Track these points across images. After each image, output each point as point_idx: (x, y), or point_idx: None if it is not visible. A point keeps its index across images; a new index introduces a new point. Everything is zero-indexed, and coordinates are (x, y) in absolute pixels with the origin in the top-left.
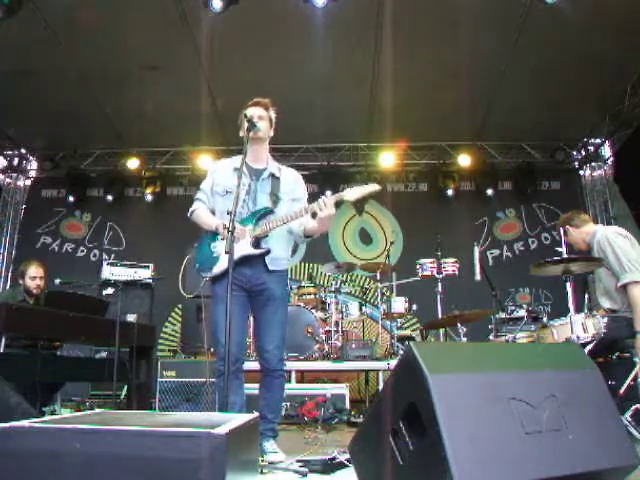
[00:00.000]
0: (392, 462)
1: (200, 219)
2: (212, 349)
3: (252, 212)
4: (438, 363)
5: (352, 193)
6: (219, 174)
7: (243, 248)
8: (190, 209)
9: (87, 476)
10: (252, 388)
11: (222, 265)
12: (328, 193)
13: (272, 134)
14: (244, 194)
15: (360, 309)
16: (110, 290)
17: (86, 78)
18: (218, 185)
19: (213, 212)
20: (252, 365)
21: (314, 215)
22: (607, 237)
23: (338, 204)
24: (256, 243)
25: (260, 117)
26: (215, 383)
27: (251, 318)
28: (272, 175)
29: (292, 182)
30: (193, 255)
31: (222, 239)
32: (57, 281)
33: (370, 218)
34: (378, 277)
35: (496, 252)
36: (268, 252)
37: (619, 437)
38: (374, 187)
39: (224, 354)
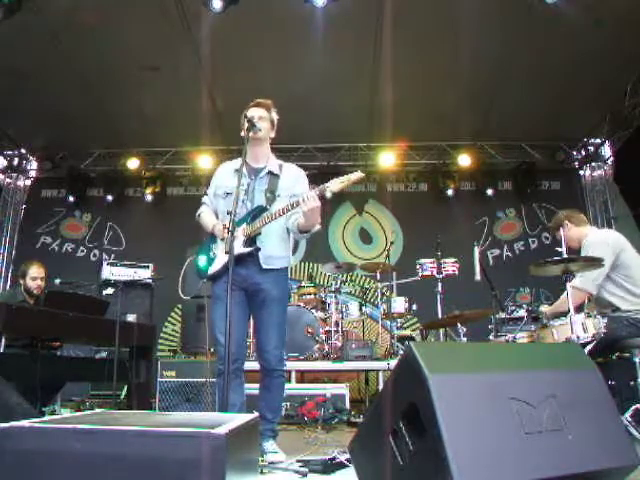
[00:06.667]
0: (392, 462)
1: (202, 221)
2: (212, 349)
3: (248, 212)
4: (438, 363)
5: (336, 183)
6: (220, 177)
7: (236, 247)
8: (197, 212)
9: (87, 476)
10: (252, 388)
11: (218, 265)
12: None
13: (273, 135)
14: (243, 194)
15: (360, 309)
16: (110, 290)
17: (86, 78)
18: (219, 188)
19: (216, 214)
20: (252, 365)
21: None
22: (586, 244)
23: (324, 196)
24: (249, 242)
25: (260, 118)
26: (216, 383)
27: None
28: (270, 173)
29: (292, 179)
30: (193, 258)
31: (222, 240)
32: (57, 281)
33: (370, 218)
34: (378, 277)
35: (496, 252)
36: (257, 250)
37: (619, 437)
38: (357, 175)
39: (223, 354)
